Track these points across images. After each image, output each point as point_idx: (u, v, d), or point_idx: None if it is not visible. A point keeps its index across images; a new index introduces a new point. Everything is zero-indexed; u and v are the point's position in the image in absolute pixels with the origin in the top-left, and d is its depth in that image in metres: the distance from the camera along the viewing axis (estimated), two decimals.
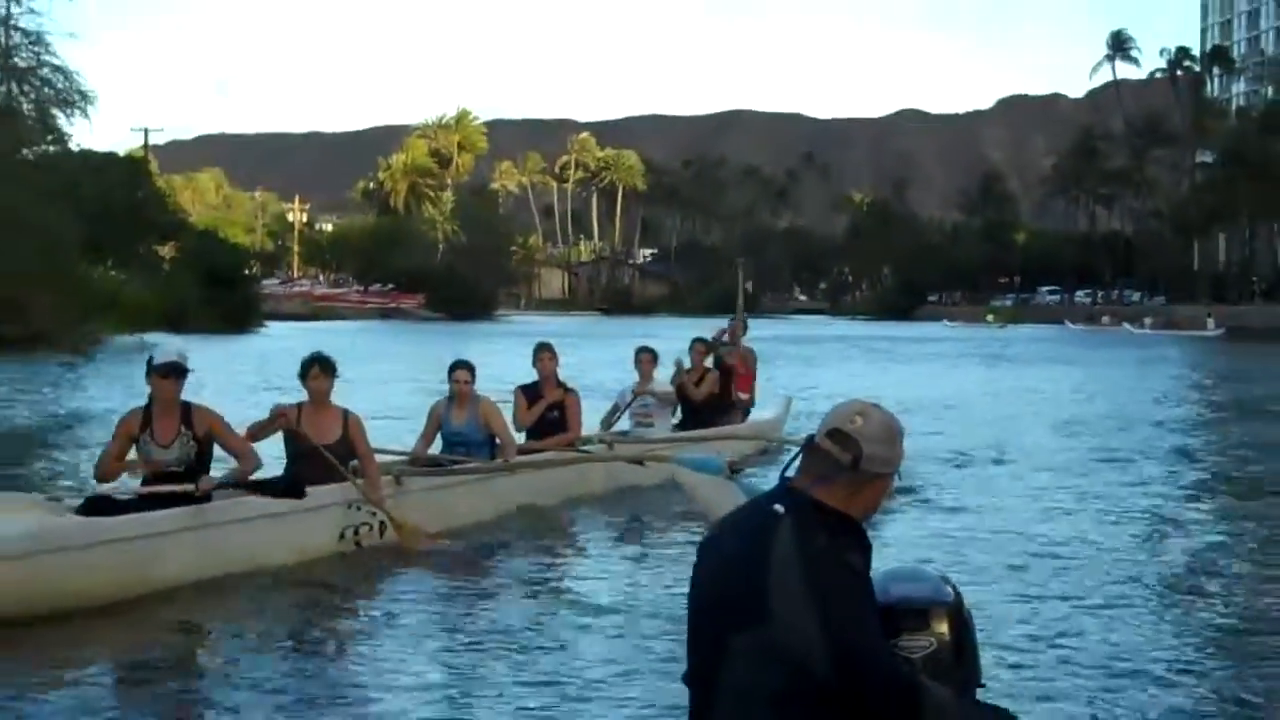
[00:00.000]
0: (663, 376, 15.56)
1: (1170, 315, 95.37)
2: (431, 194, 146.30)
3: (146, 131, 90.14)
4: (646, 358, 15.04)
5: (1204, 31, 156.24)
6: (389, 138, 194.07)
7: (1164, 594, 9.55)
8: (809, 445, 3.72)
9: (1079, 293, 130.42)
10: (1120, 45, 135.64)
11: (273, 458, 10.91)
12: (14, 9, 35.37)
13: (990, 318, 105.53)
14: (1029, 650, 7.74)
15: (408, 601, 9.13)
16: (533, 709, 6.87)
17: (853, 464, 3.62)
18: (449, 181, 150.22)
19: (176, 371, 9.11)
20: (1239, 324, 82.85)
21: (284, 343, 51.11)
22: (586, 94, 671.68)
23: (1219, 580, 10.24)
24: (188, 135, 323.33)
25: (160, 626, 8.31)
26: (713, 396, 16.01)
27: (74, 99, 27.05)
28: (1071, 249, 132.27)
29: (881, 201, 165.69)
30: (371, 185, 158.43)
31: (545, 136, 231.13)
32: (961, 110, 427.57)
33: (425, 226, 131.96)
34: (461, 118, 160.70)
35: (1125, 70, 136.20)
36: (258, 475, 10.04)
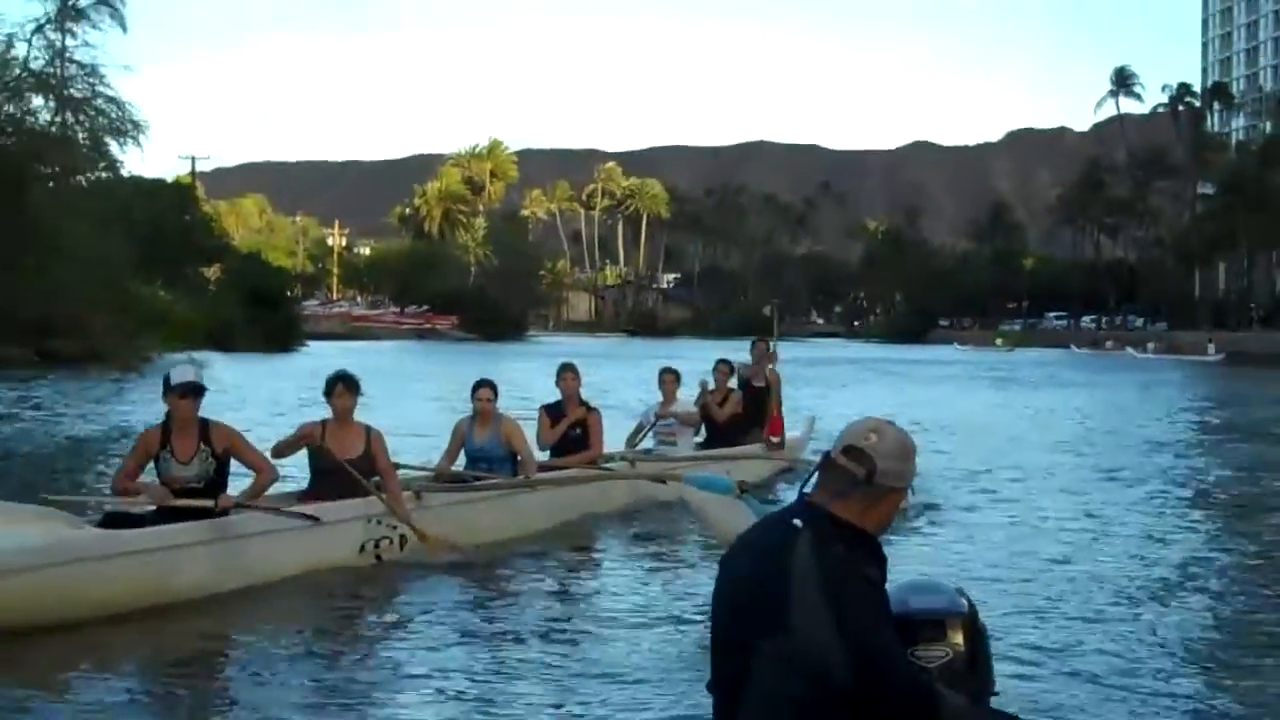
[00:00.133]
0: (686, 397, 15.40)
1: (1172, 340, 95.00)
2: (465, 220, 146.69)
3: (194, 159, 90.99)
4: (670, 378, 14.91)
5: (1204, 68, 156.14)
6: (424, 166, 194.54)
7: (1166, 609, 9.49)
8: (826, 461, 3.75)
9: (1084, 318, 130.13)
10: (1124, 81, 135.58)
11: (297, 472, 10.98)
12: (69, 42, 35.67)
13: (999, 341, 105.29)
14: (1038, 661, 7.70)
15: (429, 613, 8.98)
16: (561, 713, 6.82)
17: (867, 479, 3.64)
18: (481, 208, 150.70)
19: (194, 391, 9.02)
20: (1238, 349, 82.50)
21: (324, 361, 51.12)
22: (613, 125, 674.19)
23: (1220, 596, 10.20)
24: (232, 163, 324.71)
25: (181, 636, 8.24)
26: (736, 416, 15.76)
27: (127, 128, 27.29)
28: (1077, 276, 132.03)
29: (895, 229, 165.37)
30: (407, 211, 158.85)
31: (573, 165, 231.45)
32: (971, 142, 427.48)
33: (459, 251, 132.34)
34: (493, 147, 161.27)
35: (1129, 105, 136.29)
36: (275, 489, 9.97)
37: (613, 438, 14.41)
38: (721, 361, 16.15)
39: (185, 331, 47.63)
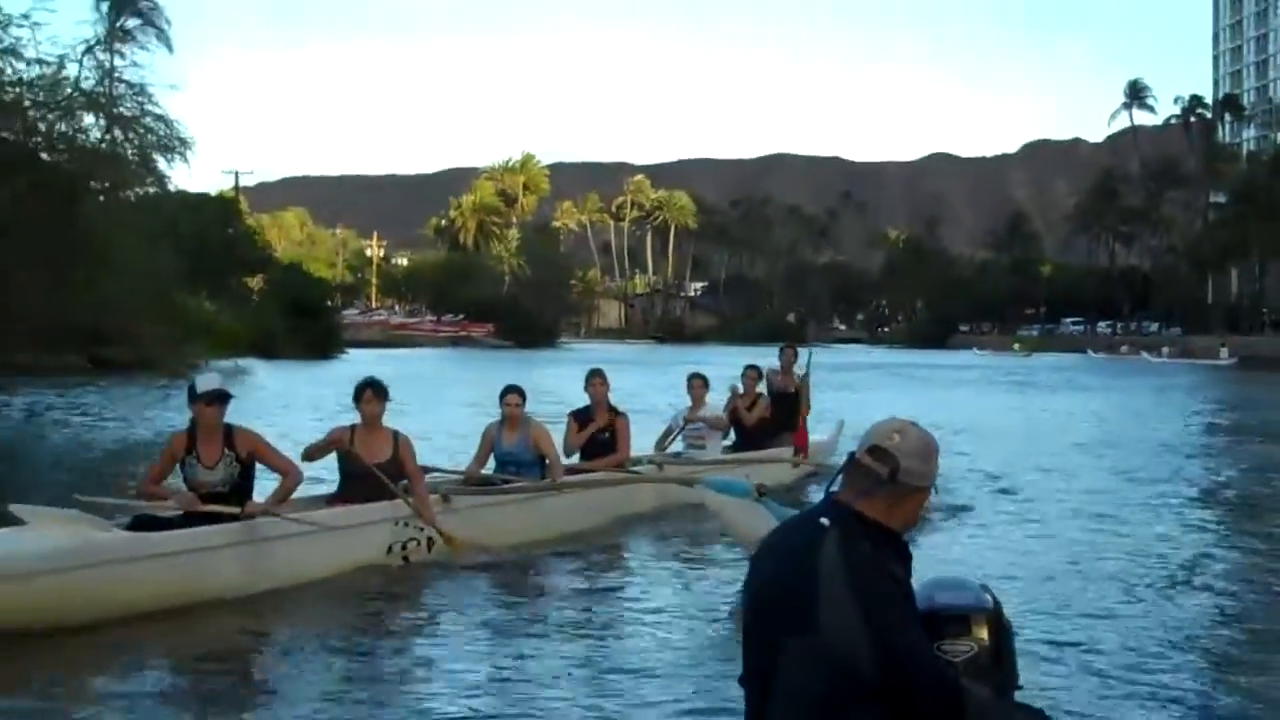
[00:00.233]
0: (715, 402, 15.28)
1: (1186, 345, 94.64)
2: (498, 231, 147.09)
3: (237, 174, 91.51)
4: (698, 383, 14.78)
5: (1216, 81, 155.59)
6: (459, 180, 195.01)
7: (1181, 608, 9.46)
8: (851, 461, 3.75)
9: (1100, 324, 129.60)
10: (1137, 94, 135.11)
11: (327, 474, 10.93)
12: (118, 62, 35.93)
13: (1016, 346, 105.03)
14: (1058, 657, 7.68)
15: (457, 612, 8.94)
16: (591, 706, 6.78)
17: (891, 478, 3.64)
18: (514, 220, 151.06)
19: (220, 398, 9.01)
20: (1251, 353, 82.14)
21: (363, 368, 51.18)
22: (642, 139, 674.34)
23: (1233, 594, 10.16)
24: (274, 177, 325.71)
25: (212, 634, 8.23)
26: (764, 421, 15.69)
27: (174, 145, 27.36)
28: (1093, 283, 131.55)
29: (915, 239, 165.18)
30: (443, 223, 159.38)
31: (603, 178, 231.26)
32: (989, 154, 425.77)
33: (492, 261, 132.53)
34: (526, 161, 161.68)
35: (1142, 117, 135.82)
36: (306, 492, 9.96)
37: (643, 442, 14.35)
38: (750, 367, 16.09)
39: (230, 340, 47.94)
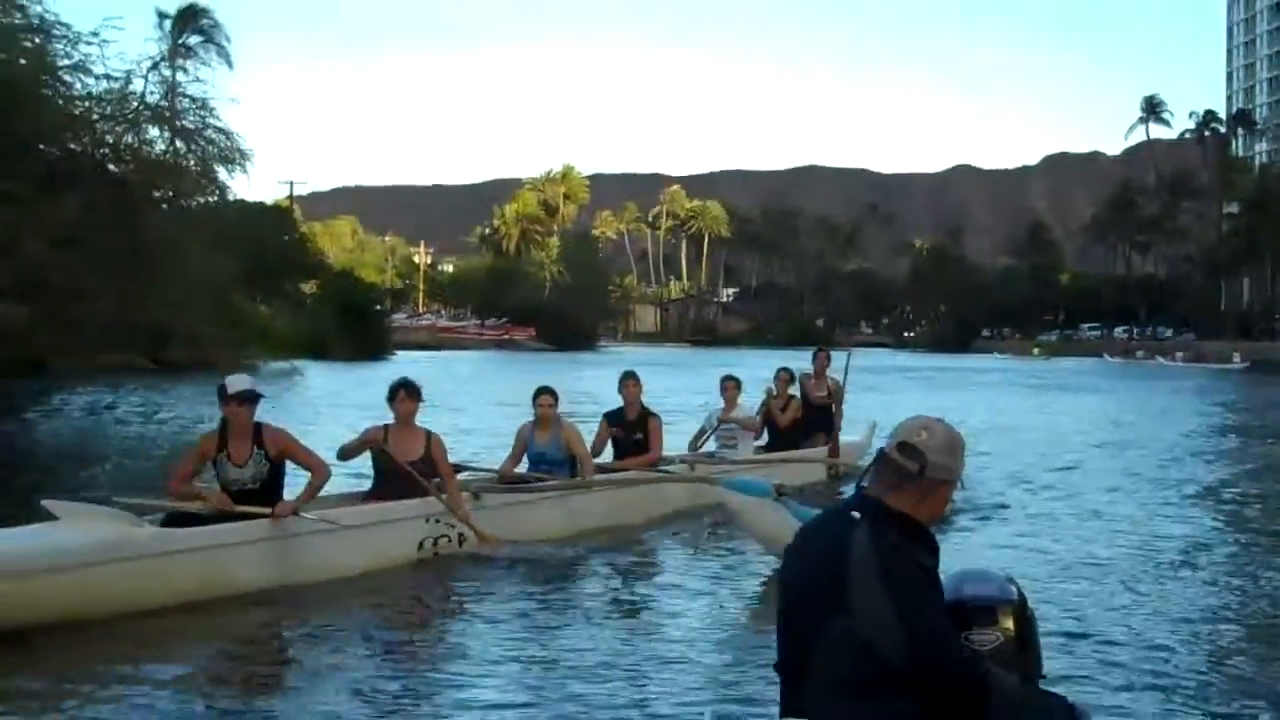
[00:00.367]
0: (749, 403, 15.16)
1: (1199, 350, 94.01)
2: (540, 239, 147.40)
3: (292, 184, 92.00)
4: (731, 385, 14.63)
5: (1229, 96, 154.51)
6: (503, 190, 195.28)
7: (1197, 600, 9.42)
8: (881, 457, 3.77)
9: (1117, 329, 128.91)
10: (1153, 108, 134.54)
11: (365, 468, 10.86)
12: (182, 78, 36.16)
13: (1036, 351, 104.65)
14: (1079, 647, 7.64)
15: (489, 606, 8.82)
16: (625, 693, 6.76)
17: (919, 472, 3.66)
18: (555, 228, 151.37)
19: (251, 399, 8.95)
20: (1262, 358, 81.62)
21: (411, 369, 51.37)
22: (677, 151, 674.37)
23: (1247, 587, 10.12)
24: (326, 187, 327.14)
25: (245, 628, 8.16)
26: (797, 422, 15.56)
27: (234, 156, 27.46)
28: (1110, 290, 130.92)
29: (939, 247, 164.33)
30: (487, 231, 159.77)
31: (640, 189, 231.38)
32: (1010, 166, 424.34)
33: (534, 268, 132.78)
34: (567, 172, 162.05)
35: (1158, 131, 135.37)
36: (340, 489, 9.96)
37: (677, 442, 14.35)
38: (783, 369, 15.95)
39: (285, 342, 48.21)
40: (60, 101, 22.49)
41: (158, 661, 7.13)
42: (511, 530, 10.46)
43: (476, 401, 29.05)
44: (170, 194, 25.85)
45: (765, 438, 15.52)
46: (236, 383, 9.03)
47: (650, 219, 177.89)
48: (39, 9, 22.44)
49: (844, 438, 15.68)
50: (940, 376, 57.20)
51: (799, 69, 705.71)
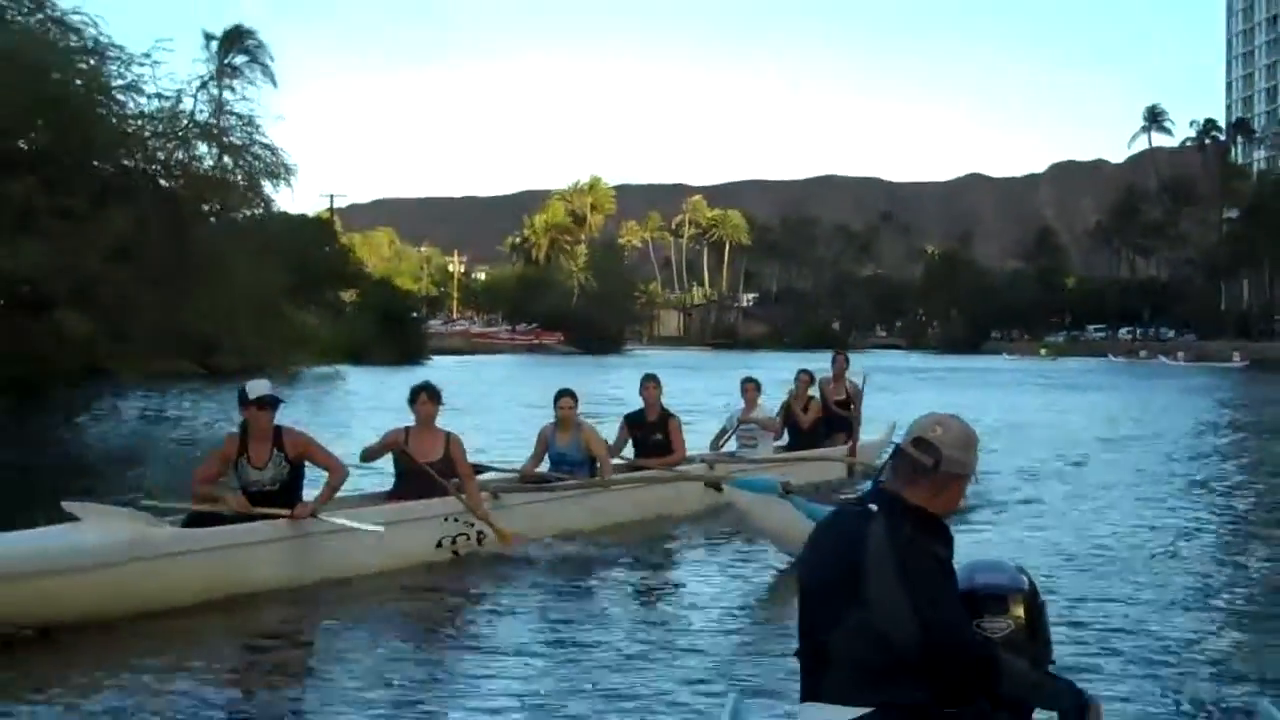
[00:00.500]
0: (769, 405, 14.98)
1: (1200, 350, 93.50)
2: (568, 248, 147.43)
3: (332, 197, 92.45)
4: (750, 387, 14.50)
5: (1228, 106, 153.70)
6: (533, 200, 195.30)
7: (1196, 589, 9.40)
8: (897, 452, 3.76)
9: (1121, 330, 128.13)
10: (1155, 118, 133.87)
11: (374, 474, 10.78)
12: (229, 96, 36.41)
13: (1043, 351, 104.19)
14: (1086, 635, 7.61)
15: (507, 602, 8.73)
16: (653, 676, 6.74)
17: (934, 467, 3.64)
18: (583, 237, 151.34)
19: (271, 403, 8.83)
20: (1261, 357, 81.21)
21: (446, 373, 51.60)
22: (699, 162, 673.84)
23: (1245, 576, 10.13)
24: (365, 200, 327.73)
25: (265, 626, 8.03)
26: (817, 423, 15.35)
27: (279, 171, 27.52)
28: (1114, 292, 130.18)
29: (950, 252, 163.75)
30: (518, 240, 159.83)
31: (664, 199, 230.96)
32: (1018, 174, 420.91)
33: (563, 276, 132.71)
34: (594, 184, 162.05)
35: (1160, 139, 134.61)
36: (359, 489, 9.86)
37: (699, 441, 14.24)
38: (803, 371, 15.74)
39: (327, 348, 48.35)
40: (114, 120, 22.71)
41: (182, 658, 7.03)
42: (530, 528, 10.33)
43: (506, 404, 29.04)
44: (218, 207, 26.02)
45: (786, 438, 15.33)
46: (257, 388, 8.90)
47: (673, 227, 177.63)
48: (94, 32, 22.66)
49: (863, 437, 15.46)
50: (952, 377, 57.00)
51: (815, 83, 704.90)
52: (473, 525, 9.93)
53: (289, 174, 28.57)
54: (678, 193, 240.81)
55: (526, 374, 54.64)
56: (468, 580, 9.37)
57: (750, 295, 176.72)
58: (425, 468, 9.77)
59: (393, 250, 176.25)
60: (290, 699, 6.49)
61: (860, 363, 16.47)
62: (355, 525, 8.91)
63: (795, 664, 3.73)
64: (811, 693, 3.61)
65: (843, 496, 11.84)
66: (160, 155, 23.93)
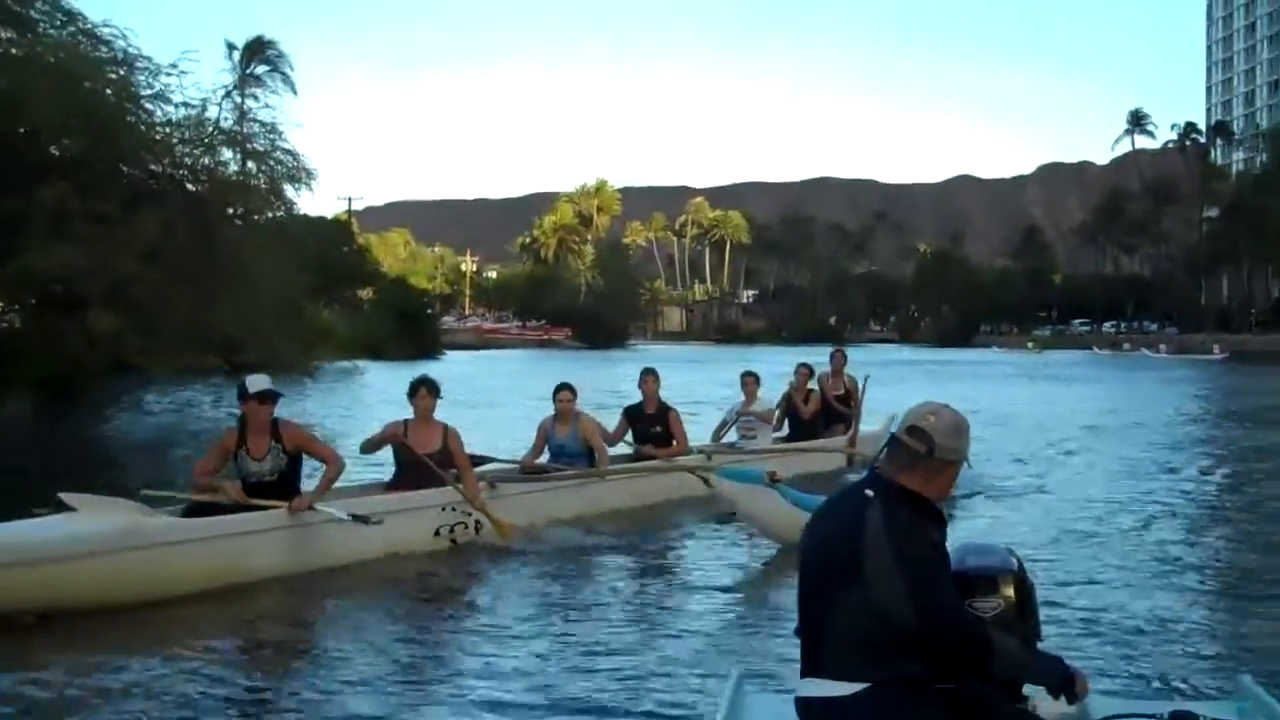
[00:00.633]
0: (769, 396, 14.86)
1: (1181, 342, 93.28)
2: (576, 248, 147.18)
3: (350, 200, 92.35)
4: (750, 380, 14.30)
5: (1208, 109, 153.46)
6: (542, 202, 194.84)
7: (1175, 568, 9.41)
8: (893, 440, 3.76)
9: (1105, 324, 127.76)
10: (1138, 121, 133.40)
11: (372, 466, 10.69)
12: (251, 104, 36.46)
13: (1030, 345, 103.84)
14: (1071, 615, 7.62)
15: (503, 589, 8.59)
16: (656, 655, 6.71)
17: (928, 453, 3.65)
18: (590, 237, 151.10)
19: (271, 397, 8.73)
20: (1240, 349, 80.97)
21: (459, 367, 51.74)
22: (701, 165, 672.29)
23: (1221, 556, 10.16)
24: (381, 202, 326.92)
25: (264, 613, 7.87)
26: (816, 415, 15.16)
27: (300, 176, 27.44)
28: (1099, 288, 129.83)
29: (942, 251, 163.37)
30: (528, 241, 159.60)
31: (667, 200, 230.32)
32: (1007, 175, 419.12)
33: (571, 274, 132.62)
34: (600, 186, 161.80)
35: (1143, 141, 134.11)
36: (358, 480, 9.77)
37: (701, 433, 14.14)
38: (802, 365, 15.55)
39: (346, 344, 48.30)
40: (143, 128, 22.72)
41: (180, 645, 6.90)
42: (527, 517, 10.23)
43: (515, 397, 29.03)
44: (242, 211, 25.99)
45: (786, 429, 15.20)
46: (257, 382, 8.79)
47: (676, 228, 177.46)
48: (123, 44, 22.70)
49: (862, 428, 15.19)
50: (944, 369, 56.92)
51: (813, 89, 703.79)
52: (470, 515, 9.81)
53: (310, 178, 28.53)
54: (681, 194, 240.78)
55: (535, 368, 54.62)
56: (466, 567, 9.24)
57: (750, 292, 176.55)
58: (424, 459, 9.64)
59: (408, 250, 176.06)
60: (289, 685, 6.38)
61: (855, 356, 16.40)
62: (348, 516, 8.73)
63: (795, 642, 3.74)
64: (811, 669, 3.62)
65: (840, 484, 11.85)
66: (187, 161, 23.94)
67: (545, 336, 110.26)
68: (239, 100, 35.38)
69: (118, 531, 7.65)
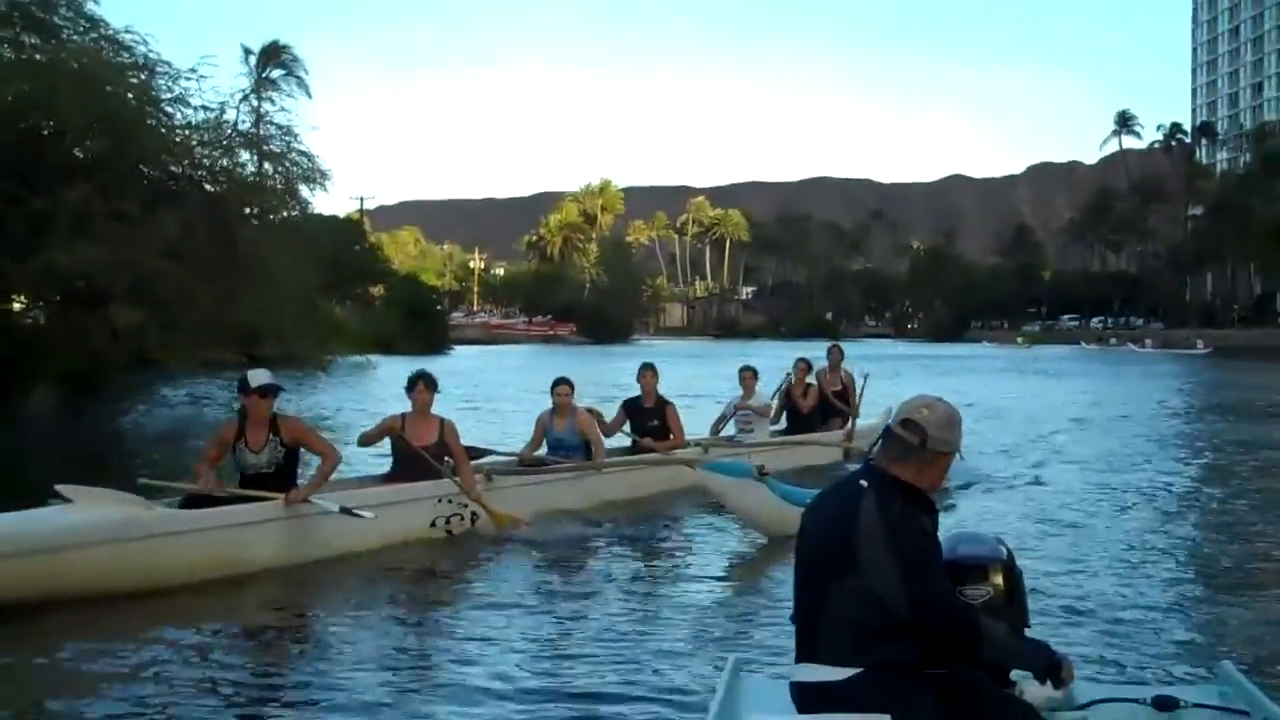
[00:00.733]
0: (766, 390, 14.77)
1: (1166, 337, 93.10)
2: (581, 246, 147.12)
3: (362, 199, 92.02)
4: (748, 375, 14.11)
5: (1193, 110, 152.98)
6: (548, 202, 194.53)
7: (1161, 557, 9.42)
8: (886, 432, 3.77)
9: (1093, 319, 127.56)
10: (1125, 122, 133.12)
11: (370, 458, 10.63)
12: (268, 107, 36.48)
13: (1020, 340, 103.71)
14: (1059, 599, 7.63)
15: (498, 579, 8.48)
16: (655, 641, 6.69)
17: (921, 445, 3.65)
18: (594, 236, 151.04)
19: (271, 391, 8.62)
20: (1223, 344, 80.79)
21: (467, 362, 51.72)
22: (701, 165, 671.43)
23: (1201, 542, 10.17)
24: (391, 202, 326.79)
25: (263, 602, 7.78)
26: (814, 409, 15.09)
27: (315, 176, 27.46)
28: (1087, 285, 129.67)
29: (935, 248, 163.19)
30: (534, 239, 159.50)
31: (669, 199, 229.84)
32: (998, 174, 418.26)
33: (576, 271, 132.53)
34: (604, 186, 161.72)
35: (1130, 142, 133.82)
36: (356, 472, 9.67)
37: (699, 427, 14.03)
38: (801, 360, 15.46)
39: (358, 339, 48.35)
40: (163, 130, 22.75)
41: (177, 635, 6.79)
42: (523, 509, 10.11)
43: (519, 390, 29.02)
44: (258, 210, 26.02)
45: (784, 422, 15.08)
46: (258, 377, 8.67)
47: (678, 226, 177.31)
48: (144, 50, 22.73)
49: (860, 422, 15.14)
50: (937, 364, 56.83)
51: (810, 90, 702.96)
52: (466, 506, 9.73)
53: (324, 179, 28.55)
54: (682, 194, 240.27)
55: (541, 363, 54.55)
56: (462, 558, 9.13)
57: (749, 289, 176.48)
58: (420, 451, 9.58)
59: (418, 248, 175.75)
60: (285, 672, 6.27)
61: (851, 350, 16.34)
62: (342, 509, 8.60)
63: (790, 629, 3.76)
64: (807, 654, 3.63)
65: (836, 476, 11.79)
66: (206, 163, 23.96)
67: (551, 332, 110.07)
68: (255, 103, 35.36)
69: (112, 523, 7.57)
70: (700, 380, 30.24)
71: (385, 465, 10.35)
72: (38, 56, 21.32)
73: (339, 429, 17.59)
